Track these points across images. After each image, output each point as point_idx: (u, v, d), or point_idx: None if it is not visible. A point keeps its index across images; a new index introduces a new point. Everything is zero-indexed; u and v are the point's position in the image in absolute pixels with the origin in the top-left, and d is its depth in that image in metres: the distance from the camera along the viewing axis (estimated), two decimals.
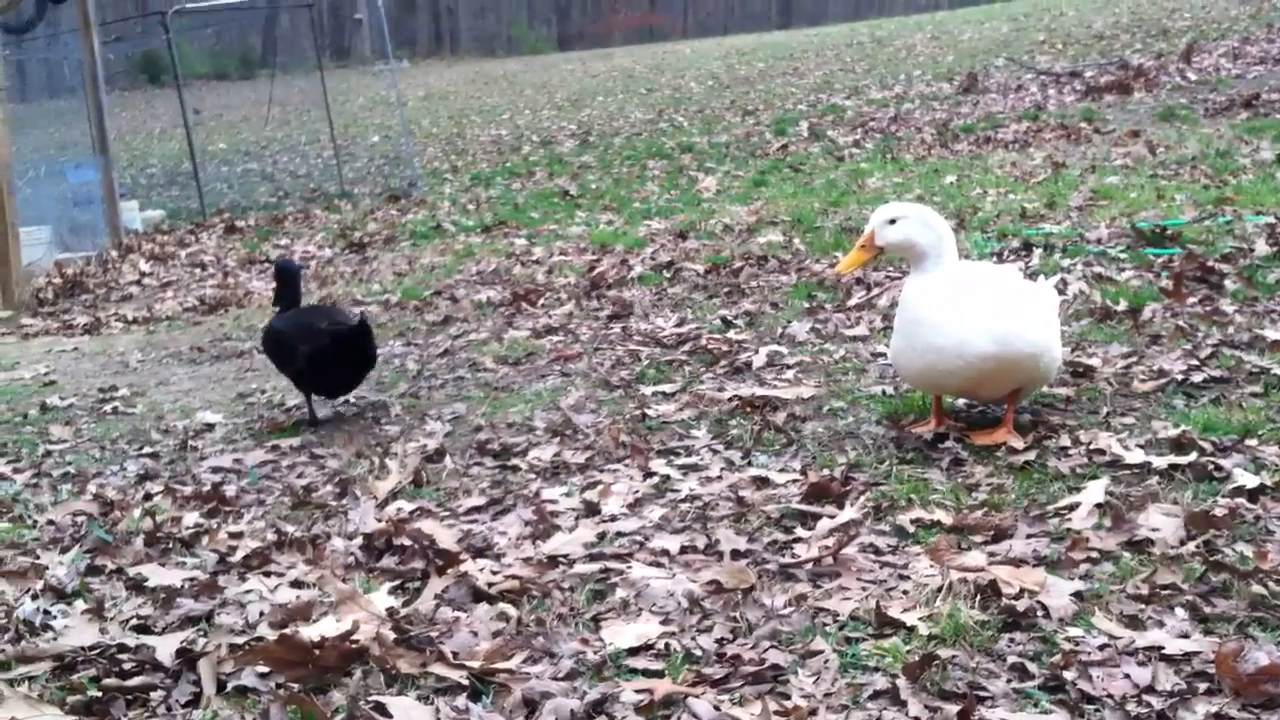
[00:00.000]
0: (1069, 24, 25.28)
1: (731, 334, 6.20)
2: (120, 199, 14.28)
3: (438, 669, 2.94)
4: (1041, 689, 2.66)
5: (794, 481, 4.07)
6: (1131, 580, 3.10)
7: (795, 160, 13.31)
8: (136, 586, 3.66)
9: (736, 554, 3.52)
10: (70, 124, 16.03)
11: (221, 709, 2.88)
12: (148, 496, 4.66)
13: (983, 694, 2.65)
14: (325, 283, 9.70)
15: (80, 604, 3.52)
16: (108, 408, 6.30)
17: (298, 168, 20.60)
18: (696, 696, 2.72)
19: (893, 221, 4.25)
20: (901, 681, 2.70)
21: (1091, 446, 4.03)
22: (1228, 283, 5.90)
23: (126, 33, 22.34)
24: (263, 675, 2.98)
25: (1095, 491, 3.62)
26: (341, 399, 5.82)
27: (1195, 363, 4.77)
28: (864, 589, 3.22)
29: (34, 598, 3.57)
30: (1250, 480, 3.59)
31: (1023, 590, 3.05)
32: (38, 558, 3.97)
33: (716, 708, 2.67)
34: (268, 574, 3.69)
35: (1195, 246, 6.60)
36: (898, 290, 5.57)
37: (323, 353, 5.31)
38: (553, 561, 3.60)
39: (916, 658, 2.76)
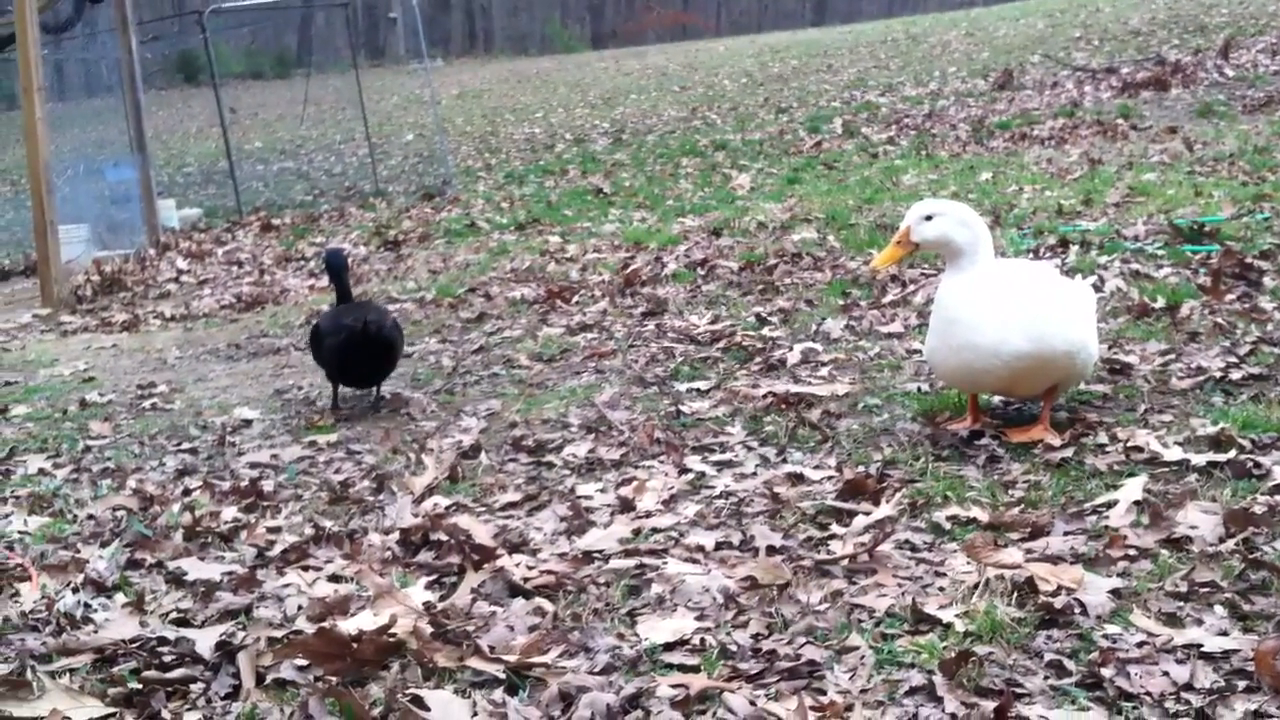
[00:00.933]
0: (1105, 20, 25.09)
1: (766, 331, 6.19)
2: (158, 197, 14.37)
3: (474, 663, 2.95)
4: (1079, 686, 2.65)
5: (829, 478, 4.07)
6: (1170, 578, 3.09)
7: (829, 157, 13.28)
8: (176, 580, 3.69)
9: (772, 550, 3.52)
10: (108, 123, 16.14)
11: (260, 701, 2.90)
12: (186, 491, 4.70)
13: (1020, 691, 2.64)
14: (360, 280, 9.74)
15: (120, 597, 3.55)
16: (146, 404, 6.35)
17: (333, 166, 20.70)
18: (732, 691, 2.72)
19: (929, 218, 4.23)
20: (938, 678, 2.70)
21: (1129, 444, 4.01)
22: (1266, 279, 5.86)
23: (163, 32, 22.50)
24: (301, 668, 3.00)
25: (1133, 489, 3.60)
26: (366, 390, 5.98)
27: (1234, 360, 4.74)
28: (900, 586, 3.21)
29: (75, 591, 3.60)
30: None
31: (1060, 587, 3.04)
32: (78, 552, 4.01)
33: (752, 703, 2.67)
34: (306, 568, 3.72)
35: (1233, 243, 6.55)
36: (933, 287, 5.55)
37: (342, 347, 5.61)
38: (588, 557, 3.61)
39: (953, 654, 2.75)
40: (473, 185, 15.72)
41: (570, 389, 5.66)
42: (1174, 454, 3.88)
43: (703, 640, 3.00)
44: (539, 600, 3.31)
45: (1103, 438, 4.13)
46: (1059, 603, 2.97)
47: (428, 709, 2.73)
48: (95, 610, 3.46)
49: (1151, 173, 9.32)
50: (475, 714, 2.74)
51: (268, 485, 4.66)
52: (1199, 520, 3.35)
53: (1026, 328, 4.12)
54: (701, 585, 3.29)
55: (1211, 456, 3.81)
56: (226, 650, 3.11)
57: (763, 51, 32.49)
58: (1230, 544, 3.22)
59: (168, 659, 3.13)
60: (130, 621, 3.35)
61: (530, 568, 3.53)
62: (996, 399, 4.67)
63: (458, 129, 23.69)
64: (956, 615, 2.97)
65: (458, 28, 57.79)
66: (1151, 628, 2.84)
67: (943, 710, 2.60)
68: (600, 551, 3.64)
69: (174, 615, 3.42)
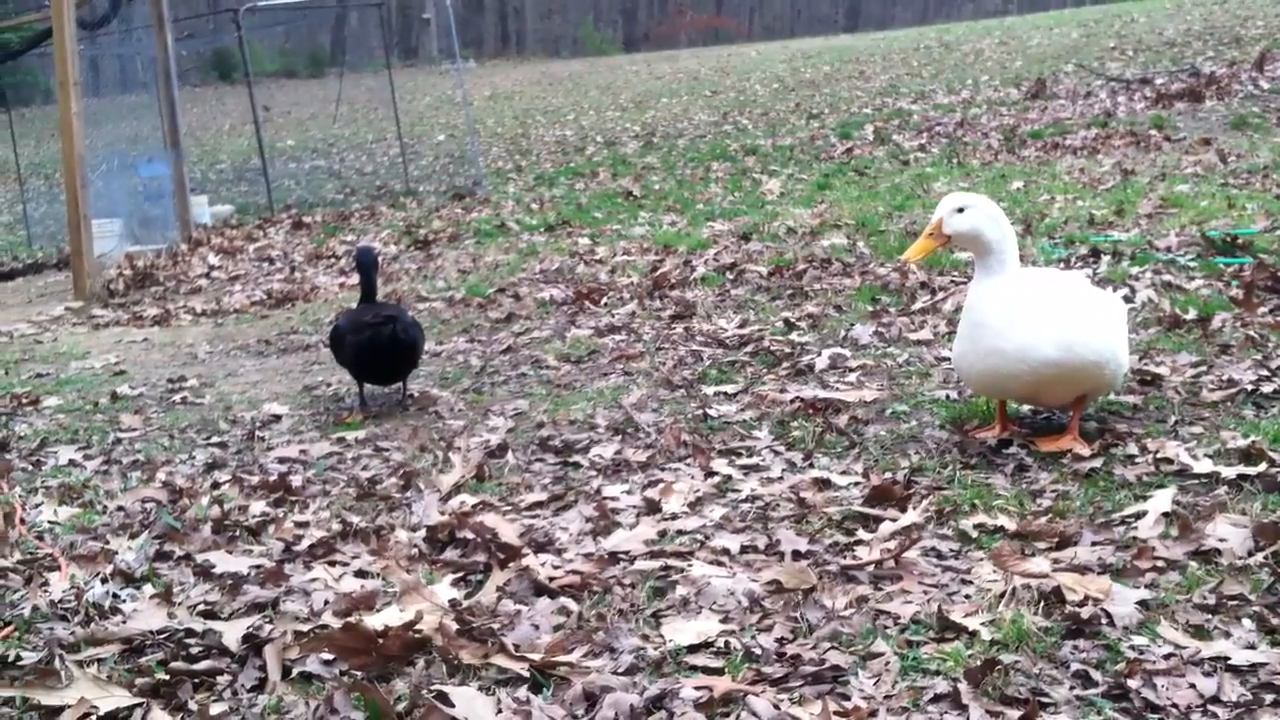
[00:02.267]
0: (1140, 30, 24.98)
1: (794, 336, 6.19)
2: (190, 193, 14.47)
3: (499, 660, 2.96)
4: (1105, 697, 2.64)
5: (856, 484, 4.06)
6: (1198, 590, 3.07)
7: (860, 164, 13.26)
8: (204, 573, 3.72)
9: (797, 555, 3.51)
10: (142, 119, 16.26)
11: (286, 694, 2.91)
12: (215, 485, 4.73)
13: (1045, 700, 2.63)
14: (390, 279, 9.78)
15: (149, 589, 3.58)
16: (177, 397, 6.40)
17: (364, 165, 20.79)
18: (756, 695, 2.72)
19: (961, 210, 4.21)
20: (963, 686, 2.69)
21: (1159, 455, 3.99)
22: None
23: (199, 30, 22.66)
24: (327, 662, 3.02)
25: (1162, 500, 3.58)
26: (393, 387, 6.02)
27: (1265, 373, 4.71)
28: (926, 593, 3.20)
29: (103, 581, 3.63)
30: None
31: (1087, 598, 3.03)
32: (107, 543, 4.04)
33: (776, 706, 2.67)
34: (333, 563, 3.74)
35: (1266, 256, 6.50)
36: (962, 295, 5.54)
37: (364, 346, 5.68)
38: (613, 558, 3.61)
39: (978, 662, 2.74)
40: (503, 186, 15.76)
41: (598, 390, 5.67)
42: (1204, 466, 3.86)
43: (727, 643, 3.00)
44: (564, 600, 3.32)
45: (1132, 449, 4.11)
46: (1086, 613, 2.96)
47: (452, 705, 2.74)
48: (123, 601, 3.49)
49: (1184, 184, 9.27)
50: (500, 711, 2.75)
51: (296, 480, 4.69)
52: (1228, 533, 3.33)
53: (1055, 336, 4.10)
54: (726, 588, 3.29)
55: (1242, 469, 3.78)
56: (253, 643, 3.13)
57: (795, 57, 32.49)
58: (1259, 557, 3.20)
59: (195, 651, 3.15)
60: (158, 613, 3.37)
61: (556, 567, 3.53)
62: (1025, 408, 4.65)
63: (489, 130, 23.76)
64: (982, 623, 2.96)
65: (490, 29, 57.97)
66: (1179, 640, 2.83)
67: (967, 718, 2.59)
68: (626, 553, 3.65)
69: (201, 607, 3.44)
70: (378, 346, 5.63)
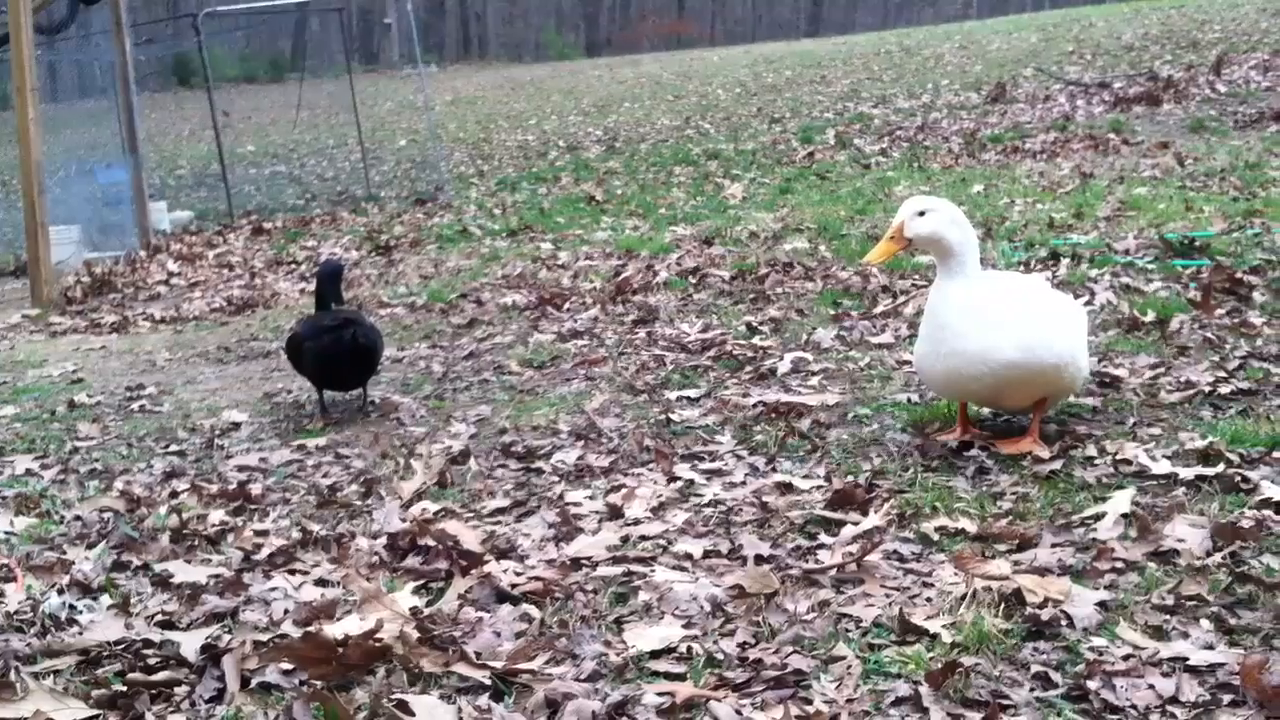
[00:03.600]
0: (1098, 35, 25.19)
1: (757, 340, 6.20)
2: (149, 200, 14.35)
3: (461, 668, 2.95)
4: (1065, 698, 2.65)
5: (818, 488, 4.06)
6: (1157, 591, 3.09)
7: (822, 168, 13.30)
8: (162, 583, 3.68)
9: (760, 559, 3.52)
10: (101, 124, 16.13)
11: (245, 705, 2.89)
12: (174, 494, 4.69)
13: (1005, 702, 2.64)
14: (351, 285, 9.72)
15: (106, 599, 3.54)
16: (135, 406, 6.34)
17: (325, 171, 20.69)
18: (718, 700, 2.72)
19: (922, 214, 4.22)
20: (924, 689, 2.69)
21: (1118, 457, 4.02)
22: (1256, 295, 5.87)
23: (158, 35, 22.53)
24: (287, 672, 3.00)
25: (1121, 501, 3.61)
26: (354, 394, 6.00)
27: (1223, 374, 4.75)
28: (887, 596, 3.21)
29: (60, 592, 3.59)
30: (1278, 493, 3.57)
31: (1047, 599, 3.04)
32: (64, 553, 4.00)
33: (738, 712, 2.67)
34: (293, 572, 3.71)
35: (1224, 258, 6.57)
36: (924, 298, 5.56)
37: (323, 352, 5.64)
38: (576, 564, 3.60)
39: (939, 665, 2.75)
40: (465, 191, 15.72)
41: (560, 396, 5.66)
42: (1162, 467, 3.89)
43: (689, 648, 2.99)
44: (526, 607, 3.31)
45: (1091, 450, 4.13)
46: (1046, 614, 2.97)
47: (413, 714, 2.73)
48: (80, 612, 3.45)
49: (1143, 187, 9.35)
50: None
51: (256, 488, 4.65)
52: (1186, 534, 3.36)
53: (1016, 338, 4.12)
54: (689, 593, 3.29)
55: (1200, 470, 3.81)
56: (212, 653, 3.10)
57: (757, 61, 32.59)
58: (1217, 558, 3.23)
59: (152, 661, 3.12)
60: (115, 623, 3.33)
61: (518, 574, 3.52)
62: (986, 411, 4.67)
63: (451, 135, 23.70)
64: (944, 626, 2.97)
65: (452, 34, 57.86)
66: (1138, 640, 2.85)
67: None
68: (588, 558, 3.64)
69: (159, 618, 3.41)
70: (337, 352, 5.59)
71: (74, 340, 8.78)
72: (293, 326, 6.14)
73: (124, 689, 2.96)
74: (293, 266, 11.32)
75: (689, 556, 3.58)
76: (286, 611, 3.36)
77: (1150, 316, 5.66)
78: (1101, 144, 12.19)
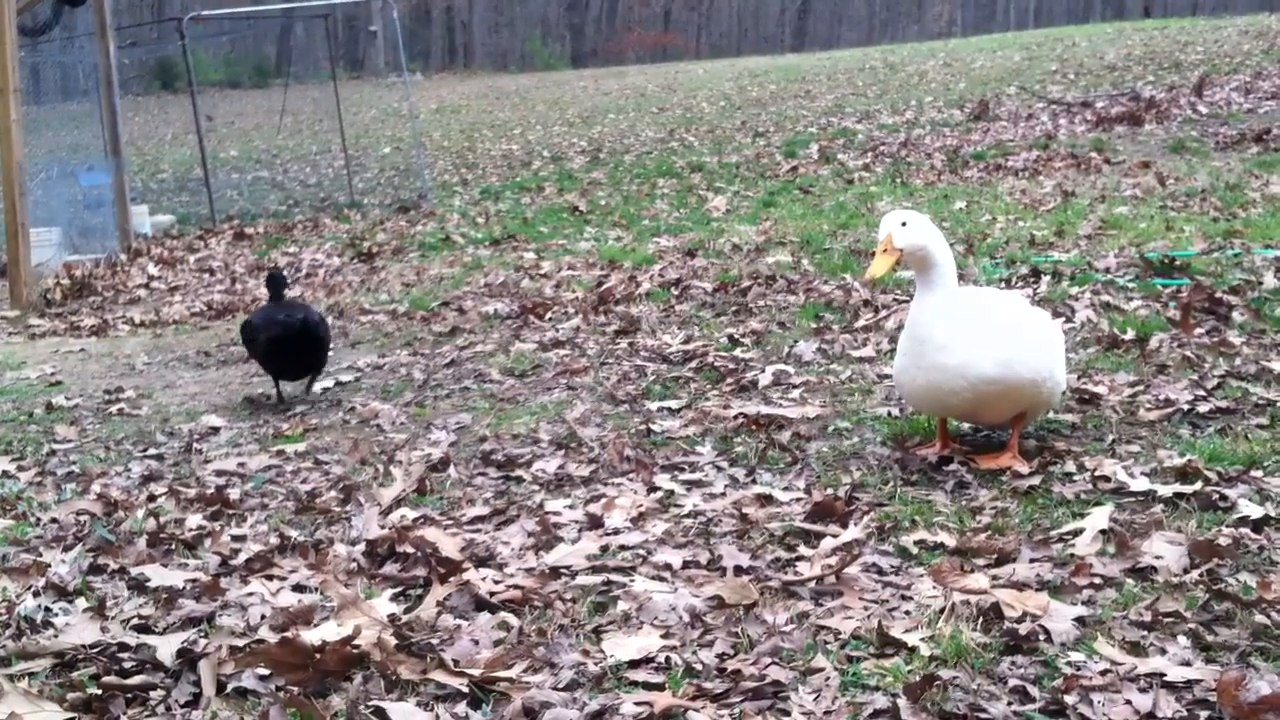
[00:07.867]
0: (1081, 54, 25.34)
1: (738, 352, 6.20)
2: (131, 203, 14.30)
3: (438, 676, 2.94)
4: (1042, 712, 2.65)
5: (798, 500, 4.07)
6: (1134, 607, 3.10)
7: (805, 182, 13.33)
8: (138, 586, 3.66)
9: (739, 570, 3.51)
10: (83, 127, 16.05)
11: (221, 710, 2.88)
12: (151, 497, 4.67)
13: (983, 715, 2.64)
14: (333, 291, 9.71)
15: (82, 602, 3.52)
16: (113, 409, 6.31)
17: (308, 177, 20.65)
18: (696, 710, 2.71)
19: (904, 224, 4.24)
20: (902, 701, 2.70)
21: (1097, 473, 4.03)
22: (1235, 314, 5.90)
23: (142, 38, 22.48)
24: (263, 677, 2.98)
25: (1100, 518, 3.62)
26: (303, 383, 6.39)
27: (1202, 393, 4.77)
28: (866, 608, 3.21)
29: (36, 595, 3.57)
30: (1255, 511, 3.59)
31: (1025, 614, 3.05)
32: (40, 555, 3.98)
33: None
34: (270, 577, 3.69)
35: (1204, 278, 6.60)
36: (904, 313, 5.58)
37: (275, 340, 6.10)
38: (555, 573, 3.60)
39: (917, 678, 2.75)
40: (449, 200, 15.70)
41: (541, 405, 5.65)
42: (1141, 484, 3.90)
43: (668, 658, 2.99)
44: (505, 615, 3.30)
45: (1070, 466, 4.15)
46: (1024, 629, 2.98)
47: None
48: (56, 615, 3.43)
49: (1124, 206, 9.40)
50: None
51: (234, 493, 4.63)
52: (1164, 550, 3.37)
53: (995, 353, 4.13)
54: (668, 603, 3.29)
55: (1178, 488, 3.83)
56: (188, 658, 3.09)
57: (742, 75, 32.66)
58: (1195, 574, 3.24)
59: (128, 665, 3.10)
60: (91, 627, 3.31)
61: (497, 582, 3.51)
62: (966, 426, 4.69)
63: (435, 143, 23.69)
64: (922, 639, 2.97)
65: (438, 42, 57.85)
66: (1115, 656, 2.85)
67: None
68: (568, 567, 3.63)
69: (135, 621, 3.39)
70: (288, 338, 6.04)
71: (53, 343, 8.73)
72: (249, 317, 6.65)
73: (99, 692, 2.95)
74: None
75: (668, 567, 3.58)
76: (263, 617, 3.35)
77: (1130, 334, 5.68)
78: (1083, 163, 12.25)
